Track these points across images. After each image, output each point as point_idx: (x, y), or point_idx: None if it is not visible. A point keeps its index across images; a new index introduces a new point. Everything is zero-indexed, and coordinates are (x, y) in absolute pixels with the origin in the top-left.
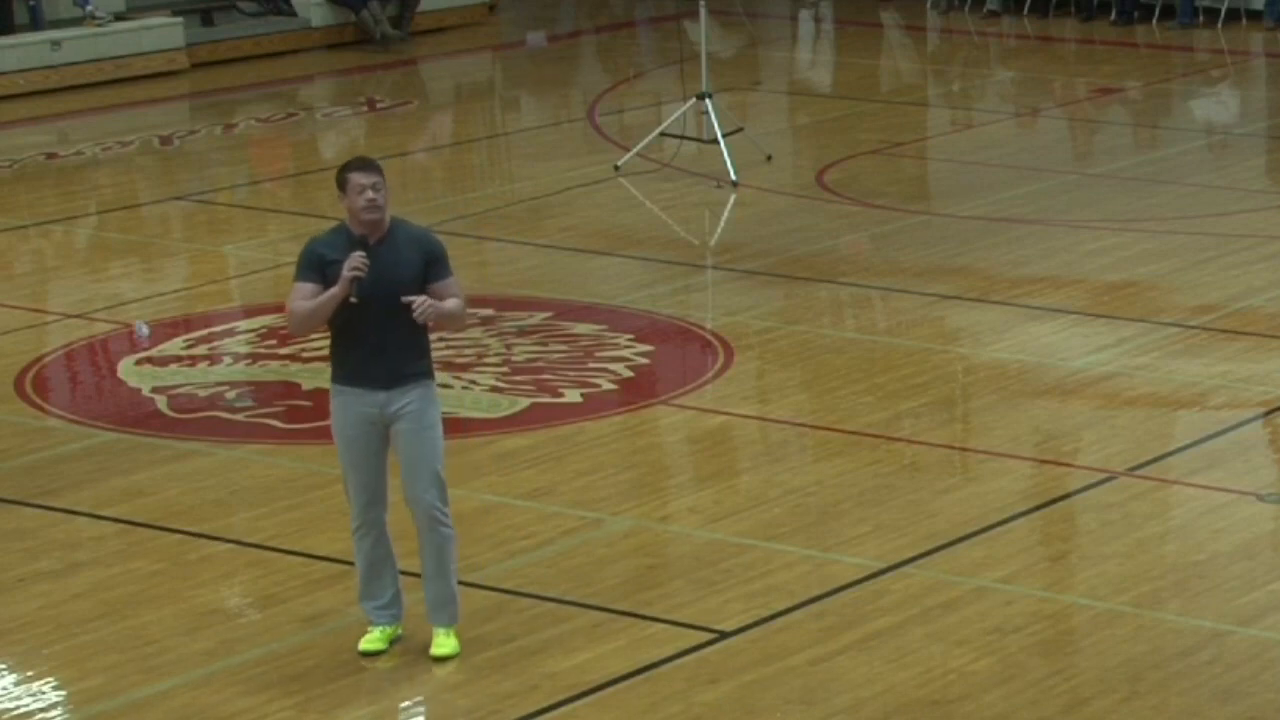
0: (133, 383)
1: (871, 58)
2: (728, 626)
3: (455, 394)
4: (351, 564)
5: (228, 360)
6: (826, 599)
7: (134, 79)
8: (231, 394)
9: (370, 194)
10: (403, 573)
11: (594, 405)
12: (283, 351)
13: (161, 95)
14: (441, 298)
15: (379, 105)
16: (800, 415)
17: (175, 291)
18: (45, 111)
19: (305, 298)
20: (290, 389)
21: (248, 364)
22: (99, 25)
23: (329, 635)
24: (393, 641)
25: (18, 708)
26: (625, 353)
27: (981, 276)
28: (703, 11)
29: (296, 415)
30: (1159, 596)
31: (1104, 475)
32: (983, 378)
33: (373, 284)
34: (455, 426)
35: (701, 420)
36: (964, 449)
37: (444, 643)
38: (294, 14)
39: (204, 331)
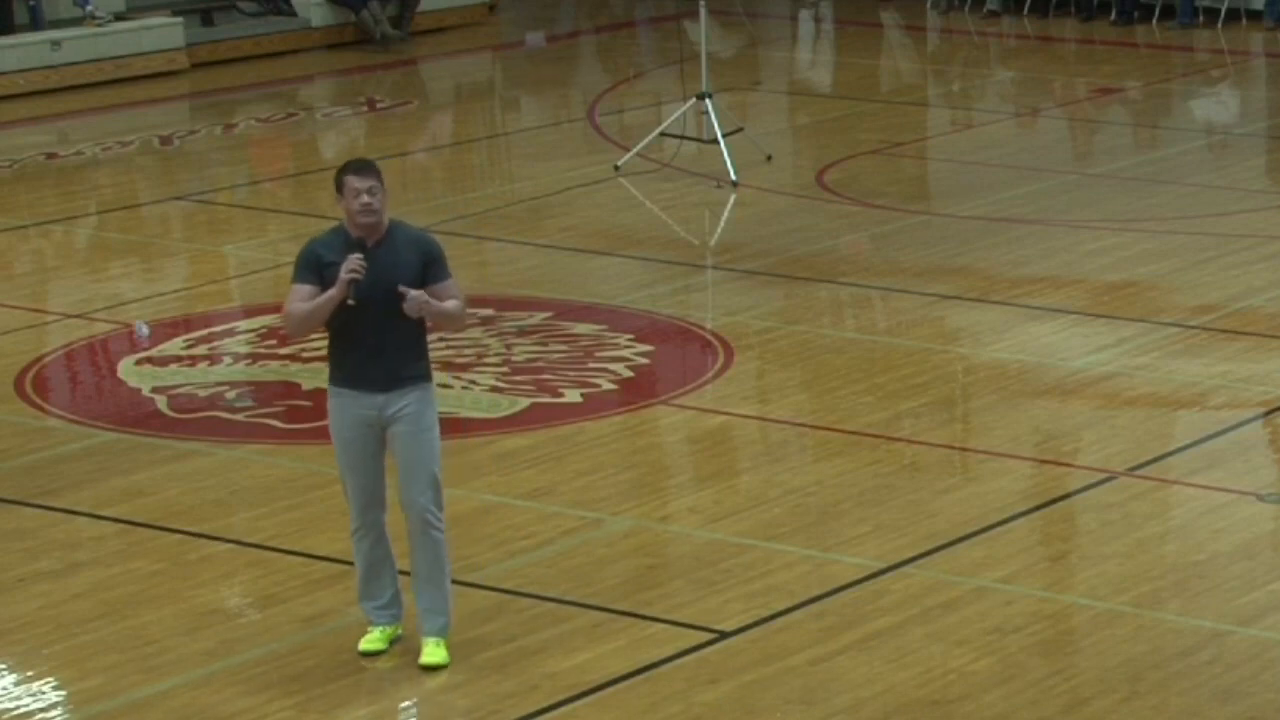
0: (133, 383)
1: (871, 58)
2: (728, 626)
3: (455, 394)
4: (351, 564)
5: (228, 360)
6: (826, 599)
7: (134, 79)
8: (231, 394)
9: (365, 198)
10: (402, 573)
11: (594, 405)
12: (283, 351)
13: (161, 95)
14: (440, 299)
15: (379, 105)
16: (800, 415)
17: (175, 291)
18: (45, 111)
19: (303, 299)
20: (290, 389)
21: (248, 364)
22: (99, 25)
23: (329, 635)
24: (393, 641)
25: (18, 708)
26: (625, 353)
27: (981, 276)
28: (703, 11)
29: (296, 415)
30: (1159, 596)
31: (1104, 475)
32: (983, 378)
33: (370, 286)
34: (455, 426)
35: (701, 420)
36: (964, 449)
37: (434, 652)
38: (294, 14)
39: (204, 331)
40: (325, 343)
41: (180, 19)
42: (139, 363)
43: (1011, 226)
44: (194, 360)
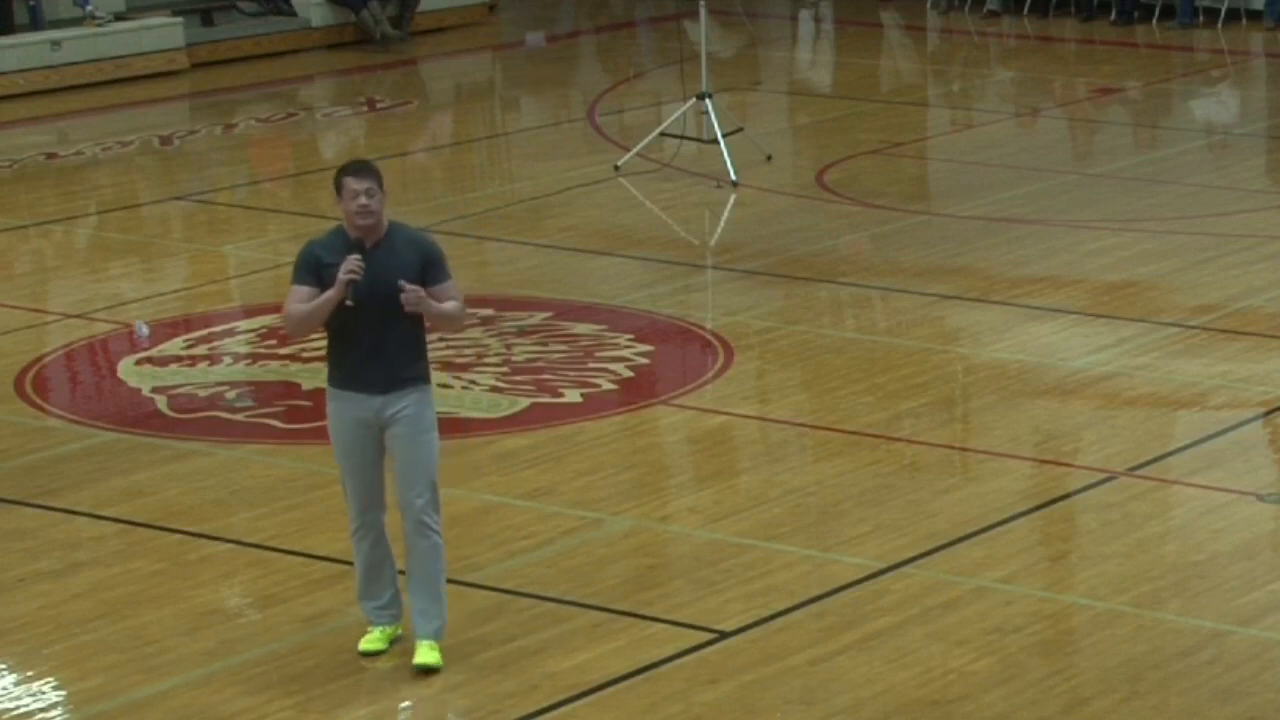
0: (133, 383)
1: (871, 58)
2: (728, 626)
3: (455, 394)
4: (351, 564)
5: (228, 360)
6: (826, 599)
7: (134, 79)
8: (231, 394)
9: (363, 199)
10: (401, 573)
11: (594, 405)
12: (283, 351)
13: (161, 95)
14: (439, 300)
15: (379, 105)
16: (800, 415)
17: (175, 291)
18: (45, 111)
19: (302, 301)
20: (290, 389)
21: (248, 364)
22: (99, 25)
23: (329, 635)
24: (393, 641)
25: (18, 708)
26: (625, 353)
27: (981, 276)
28: (703, 11)
29: (296, 415)
30: (1159, 596)
31: (1104, 475)
32: (983, 378)
33: (369, 287)
34: (455, 426)
35: (701, 420)
36: (964, 449)
37: (427, 653)
38: (294, 14)
39: (204, 331)
40: (325, 342)
41: (180, 19)
42: (139, 363)
43: (1011, 226)
44: (194, 360)
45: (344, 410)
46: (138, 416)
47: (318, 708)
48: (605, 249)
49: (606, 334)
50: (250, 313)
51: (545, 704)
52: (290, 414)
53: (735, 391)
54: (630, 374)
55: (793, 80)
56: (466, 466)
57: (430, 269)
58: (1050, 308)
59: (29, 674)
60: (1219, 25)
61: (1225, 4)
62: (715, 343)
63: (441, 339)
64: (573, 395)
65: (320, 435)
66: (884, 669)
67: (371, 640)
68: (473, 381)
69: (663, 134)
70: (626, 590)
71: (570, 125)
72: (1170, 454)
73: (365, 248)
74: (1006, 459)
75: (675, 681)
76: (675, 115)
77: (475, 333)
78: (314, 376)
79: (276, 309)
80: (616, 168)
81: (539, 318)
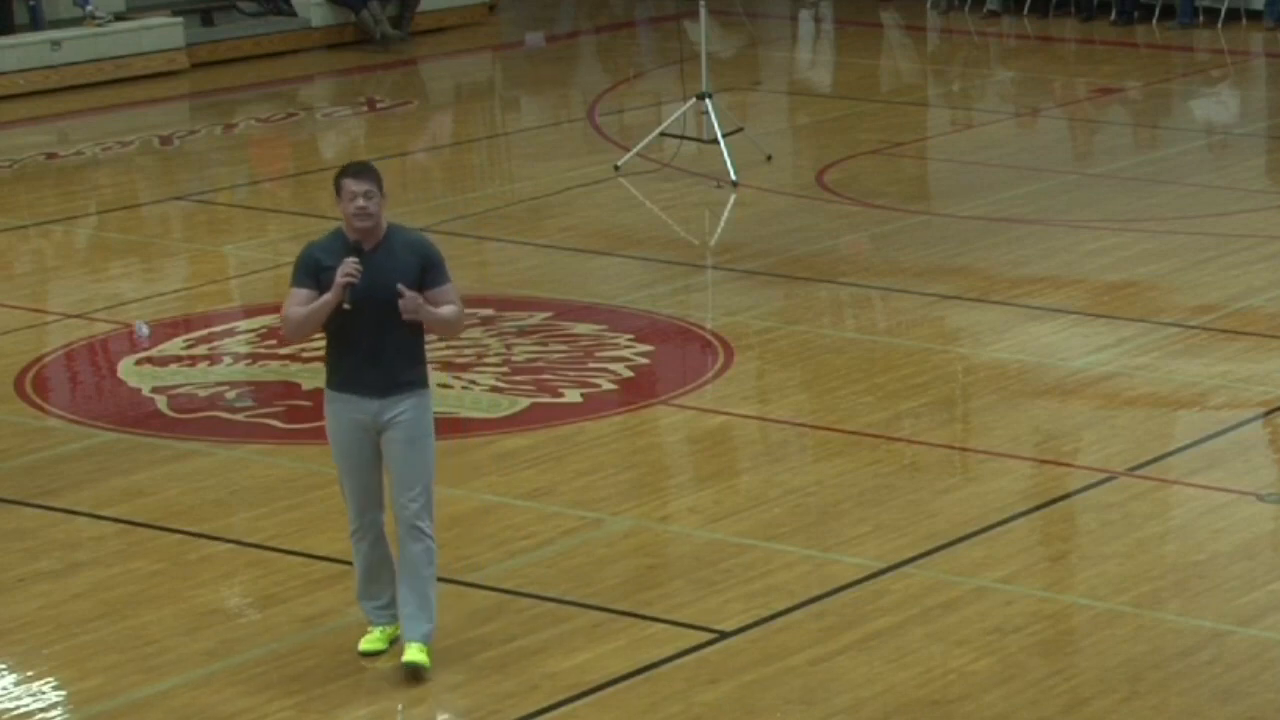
0: (133, 383)
1: (871, 58)
2: (728, 626)
3: (455, 394)
4: (351, 564)
5: (228, 360)
6: (826, 599)
7: (134, 79)
8: (231, 394)
9: (361, 201)
10: None
11: (594, 405)
12: (283, 351)
13: (161, 95)
14: (437, 304)
15: (379, 105)
16: (800, 415)
17: (175, 291)
18: (45, 111)
19: (300, 303)
20: (290, 389)
21: (248, 364)
22: (99, 25)
23: (329, 635)
24: (393, 641)
25: (18, 708)
26: (625, 353)
27: (981, 276)
28: (703, 11)
29: (296, 415)
30: (1159, 596)
31: (1104, 475)
32: (983, 378)
33: (367, 290)
34: (455, 426)
35: (701, 420)
36: (964, 449)
37: (417, 653)
38: (294, 14)
39: (204, 331)
40: (325, 343)
41: (180, 19)
42: (139, 363)
43: (1011, 226)
44: (194, 360)
45: (342, 413)
46: (138, 416)
47: (318, 708)
48: (605, 249)
49: (606, 334)
50: (250, 313)
51: (545, 704)
52: (290, 414)
53: (735, 391)
54: (630, 374)
55: (793, 80)
56: (466, 466)
57: (429, 272)
58: (1050, 308)
59: (29, 674)
60: (1219, 25)
61: (1225, 4)
62: (715, 343)
63: (441, 339)
64: (573, 395)
65: (320, 435)
66: (884, 669)
67: (371, 640)
68: (473, 381)
69: (663, 134)
70: (626, 590)
71: (570, 125)
72: (1170, 454)
73: (363, 250)
74: (1006, 459)
75: (675, 681)
76: (675, 115)
77: (475, 333)
78: (314, 376)
79: (276, 309)
80: (616, 168)
81: (539, 318)
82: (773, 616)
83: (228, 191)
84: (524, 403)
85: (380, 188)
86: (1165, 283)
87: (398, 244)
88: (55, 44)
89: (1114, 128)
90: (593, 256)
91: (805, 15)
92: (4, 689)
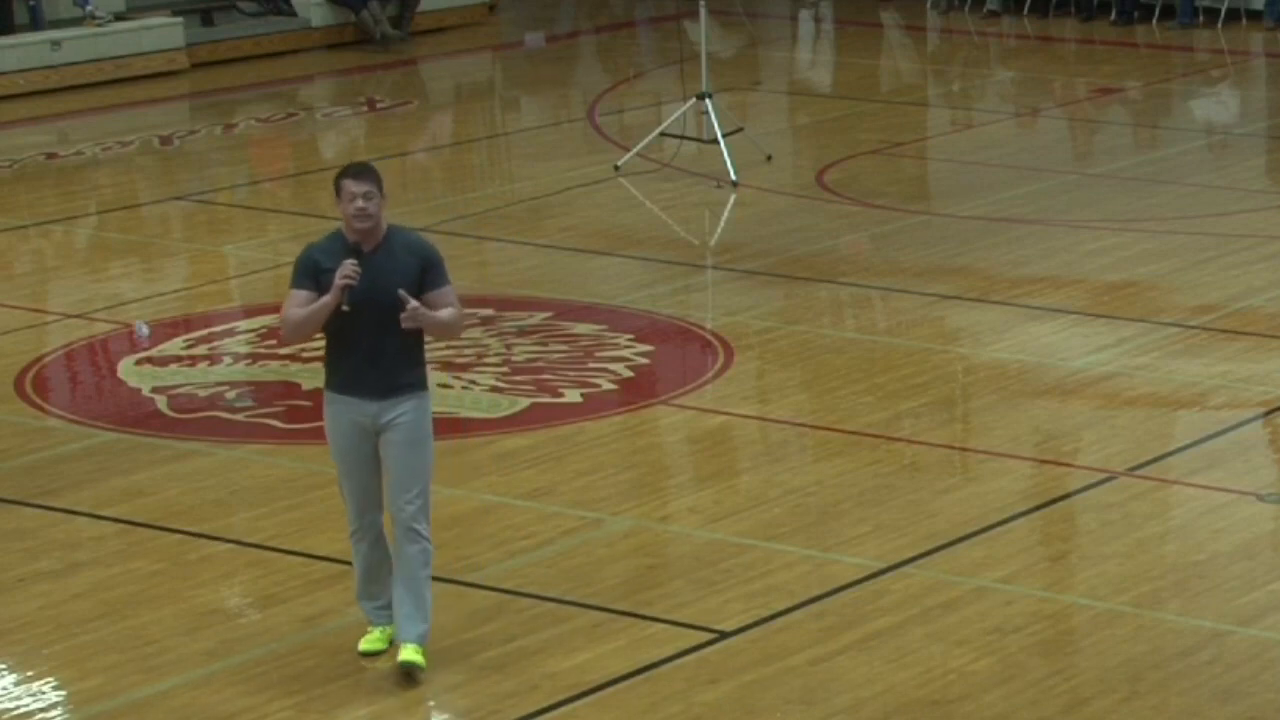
0: (133, 383)
1: (871, 58)
2: (728, 626)
3: (455, 394)
4: (351, 564)
5: (228, 360)
6: (826, 599)
7: (134, 79)
8: (231, 394)
9: (360, 202)
10: None
11: (594, 405)
12: (283, 351)
13: (161, 95)
14: (436, 307)
15: (379, 105)
16: (800, 415)
17: (175, 291)
18: (45, 111)
19: (299, 305)
20: (290, 389)
21: (248, 364)
22: (99, 25)
23: (329, 635)
24: (393, 641)
25: (18, 708)
26: (625, 353)
27: (981, 276)
28: (703, 11)
29: (296, 415)
30: (1159, 596)
31: (1104, 475)
32: (983, 378)
33: (365, 292)
34: (455, 426)
35: (701, 420)
36: (964, 449)
37: (413, 653)
38: (294, 14)
39: (204, 331)
40: (324, 344)
41: (180, 19)
42: (139, 363)
43: (1011, 226)
44: (194, 360)
45: (341, 414)
46: (138, 416)
47: (318, 708)
48: (605, 249)
49: (606, 334)
50: (250, 313)
51: (545, 704)
52: (290, 414)
53: (735, 391)
54: (630, 374)
55: (793, 80)
56: (466, 466)
57: (429, 274)
58: (1050, 308)
59: (29, 674)
60: (1219, 25)
61: (1225, 4)
62: (715, 343)
63: (440, 340)
64: (573, 395)
65: (320, 435)
66: (884, 669)
67: (371, 640)
68: (473, 381)
69: (663, 134)
70: (626, 590)
71: (570, 125)
72: (1170, 454)
73: (362, 252)
74: (1006, 459)
75: (675, 681)
76: (675, 115)
77: (475, 333)
78: (314, 376)
79: (276, 309)
80: (616, 168)
81: (539, 318)
82: (773, 616)
83: (228, 191)
84: (524, 403)
85: (380, 189)
86: (1165, 283)
87: (397, 245)
88: (55, 44)
89: (1114, 128)
90: (593, 256)
91: (805, 15)
92: (4, 689)
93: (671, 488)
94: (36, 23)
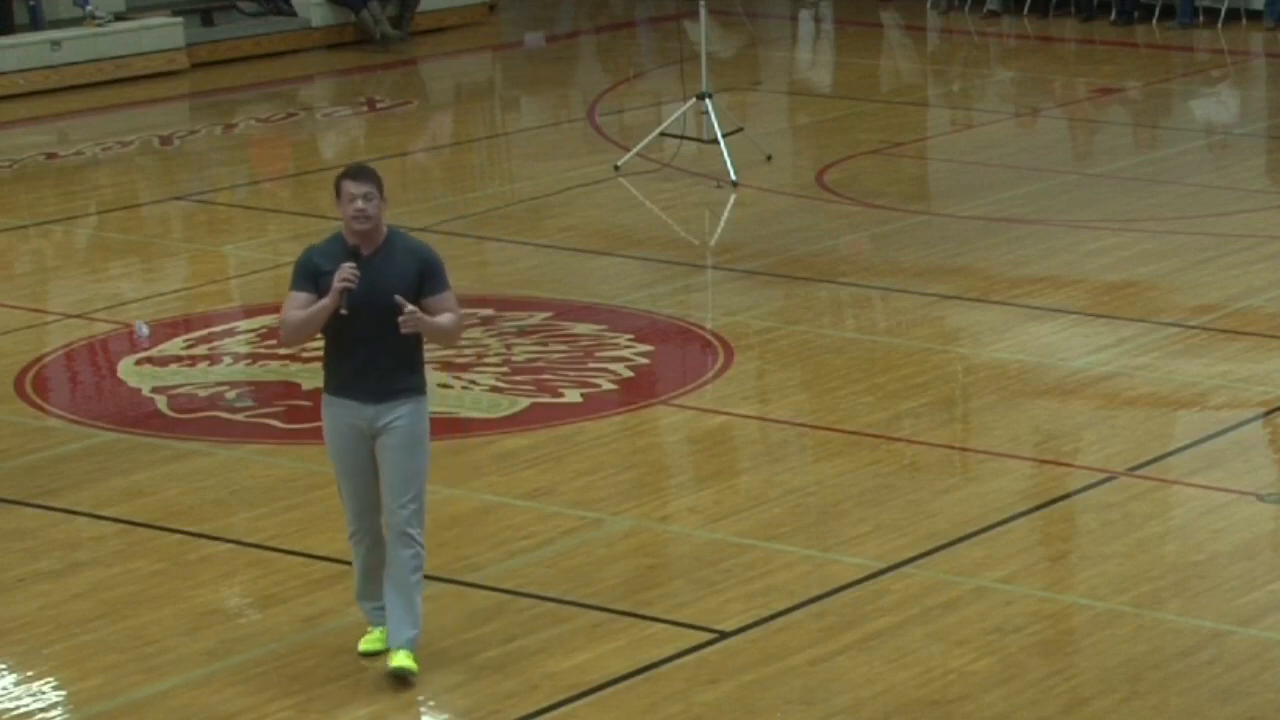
0: (133, 383)
1: (871, 58)
2: (728, 626)
3: (455, 394)
4: (351, 564)
5: (228, 360)
6: (826, 599)
7: (134, 79)
8: (231, 394)
9: (360, 204)
10: None
11: (594, 405)
12: (283, 351)
13: (161, 95)
14: (435, 312)
15: (379, 105)
16: (800, 415)
17: (175, 291)
18: (45, 111)
19: (299, 307)
20: (290, 389)
21: (248, 364)
22: (99, 25)
23: (329, 635)
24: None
25: (18, 708)
26: (625, 353)
27: (981, 276)
28: (703, 11)
29: (296, 415)
30: (1159, 596)
31: (1104, 475)
32: (983, 378)
33: (365, 295)
34: (455, 426)
35: (701, 420)
36: (964, 449)
37: (404, 658)
38: (294, 14)
39: (204, 331)
40: (323, 346)
41: (180, 19)
42: (139, 363)
43: (1011, 226)
44: (194, 360)
45: (339, 417)
46: (138, 416)
47: (318, 708)
48: (605, 249)
49: (606, 334)
50: (250, 313)
51: (545, 704)
52: (290, 414)
53: (735, 391)
54: (630, 374)
55: (793, 80)
56: (466, 466)
57: (428, 279)
58: (1050, 308)
59: (29, 674)
60: (1219, 25)
61: (1225, 4)
62: (715, 343)
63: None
64: (573, 395)
65: (320, 435)
66: (884, 669)
67: (371, 640)
68: (473, 381)
69: (663, 134)
70: (626, 590)
71: (570, 125)
72: (1170, 454)
73: (362, 255)
74: (1006, 459)
75: (675, 681)
76: (675, 115)
77: (475, 333)
78: (314, 376)
79: (276, 309)
80: (616, 168)
81: (539, 318)
82: (773, 616)
83: (228, 191)
84: (524, 403)
85: (380, 191)
86: (1165, 283)
87: (398, 249)
88: (55, 44)
89: (1114, 128)
90: (593, 256)
91: (805, 15)
92: (4, 689)
93: (671, 488)
94: (36, 23)
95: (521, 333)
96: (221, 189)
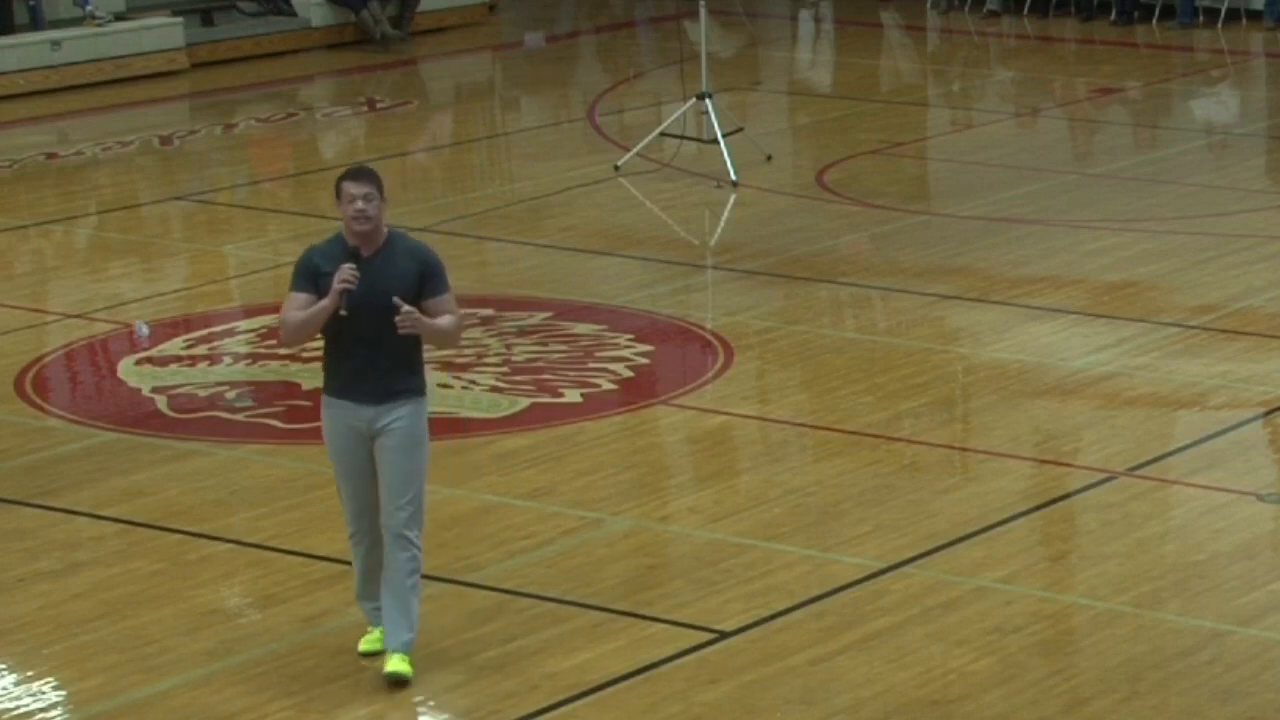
0: (133, 383)
1: (871, 58)
2: (728, 626)
3: (455, 394)
4: (351, 564)
5: (228, 360)
6: (826, 599)
7: (134, 79)
8: (231, 394)
9: (360, 204)
10: None
11: (594, 405)
12: (283, 351)
13: (161, 95)
14: (434, 314)
15: (379, 105)
16: (800, 415)
17: (175, 291)
18: (45, 111)
19: (298, 308)
20: (290, 389)
21: (248, 364)
22: (99, 25)
23: (329, 635)
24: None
25: (18, 708)
26: (625, 353)
27: (981, 276)
28: (703, 11)
29: (296, 415)
30: (1159, 596)
31: (1104, 475)
32: (983, 378)
33: (364, 296)
34: (455, 426)
35: (701, 420)
36: (964, 449)
37: (399, 662)
38: (294, 14)
39: (204, 331)
40: (323, 347)
41: (180, 19)
42: (139, 363)
43: (1011, 226)
44: (194, 360)
45: (338, 418)
46: (138, 416)
47: (318, 708)
48: (605, 249)
49: (606, 334)
50: (250, 313)
51: (545, 704)
52: (290, 414)
53: (735, 391)
54: (630, 374)
55: (793, 80)
56: (466, 466)
57: (428, 281)
58: (1050, 308)
59: (29, 674)
60: (1219, 25)
61: (1225, 4)
62: (715, 343)
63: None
64: (573, 395)
65: (320, 435)
66: (884, 669)
67: (371, 641)
68: (473, 381)
69: (663, 134)
70: (626, 590)
71: (570, 125)
72: (1170, 454)
73: (362, 256)
74: (1006, 459)
75: (675, 681)
76: (675, 115)
77: (475, 333)
78: (314, 376)
79: (276, 309)
80: (616, 168)
81: (539, 318)
82: (773, 616)
83: (228, 191)
84: (524, 403)
85: (380, 191)
86: (1165, 283)
87: (398, 250)
88: (55, 44)
89: (1114, 128)
90: (593, 256)
91: (805, 15)
92: (4, 689)
93: (671, 488)
94: (36, 23)
95: (521, 333)
96: (221, 189)
